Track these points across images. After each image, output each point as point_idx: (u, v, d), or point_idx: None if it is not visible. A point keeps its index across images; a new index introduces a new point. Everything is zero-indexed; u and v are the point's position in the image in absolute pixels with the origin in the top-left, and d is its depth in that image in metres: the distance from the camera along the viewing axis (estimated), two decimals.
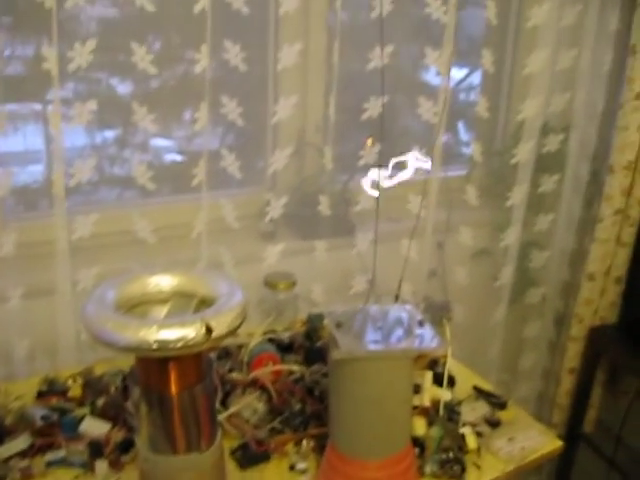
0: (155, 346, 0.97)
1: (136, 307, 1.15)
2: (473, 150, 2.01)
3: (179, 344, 0.98)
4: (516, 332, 2.40)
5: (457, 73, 2.21)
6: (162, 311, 1.13)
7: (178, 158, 1.77)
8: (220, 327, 1.01)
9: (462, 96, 2.30)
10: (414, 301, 2.10)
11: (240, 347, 1.68)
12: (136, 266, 1.68)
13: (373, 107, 1.80)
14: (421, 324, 1.14)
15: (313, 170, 1.96)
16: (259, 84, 1.73)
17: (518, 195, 2.08)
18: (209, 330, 0.99)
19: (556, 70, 2.04)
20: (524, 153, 2.04)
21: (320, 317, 1.84)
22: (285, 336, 1.70)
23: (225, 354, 1.66)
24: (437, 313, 2.22)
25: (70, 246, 1.59)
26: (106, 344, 1.01)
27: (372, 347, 1.04)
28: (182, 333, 0.98)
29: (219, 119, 1.68)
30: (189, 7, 1.49)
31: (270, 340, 1.67)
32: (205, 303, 1.14)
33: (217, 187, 1.74)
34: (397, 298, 1.95)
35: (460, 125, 2.31)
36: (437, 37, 1.81)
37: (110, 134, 1.73)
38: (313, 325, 1.82)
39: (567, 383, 2.46)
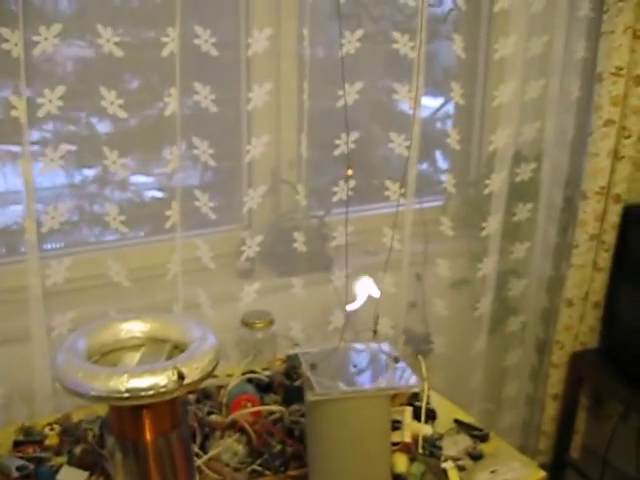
0: (126, 395, 0.96)
1: (109, 354, 1.15)
2: (447, 182, 2.03)
3: (150, 392, 0.97)
4: (498, 361, 2.40)
5: (433, 102, 2.24)
6: (135, 358, 1.12)
7: (151, 199, 1.77)
8: (192, 373, 1.00)
9: (439, 125, 2.33)
10: (394, 334, 2.10)
11: (220, 388, 1.66)
12: (111, 310, 1.67)
13: (345, 143, 1.81)
14: (397, 361, 1.13)
15: (288, 207, 1.96)
16: (231, 124, 1.74)
17: (493, 225, 2.09)
18: (181, 377, 0.99)
19: (526, 100, 2.06)
20: (497, 183, 2.05)
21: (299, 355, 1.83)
22: (264, 375, 1.69)
23: (204, 396, 1.65)
24: (418, 345, 2.23)
25: (44, 292, 1.58)
26: (77, 394, 1.00)
27: (347, 388, 1.04)
28: (153, 381, 0.97)
29: (192, 160, 1.68)
30: (158, 51, 1.50)
31: (249, 380, 1.66)
32: (178, 348, 1.14)
33: (192, 227, 1.75)
34: (375, 333, 1.96)
35: (437, 154, 2.33)
36: (407, 72, 1.83)
37: (89, 173, 1.72)
38: (292, 363, 1.81)
39: (551, 410, 2.45)
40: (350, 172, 1.99)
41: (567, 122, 2.16)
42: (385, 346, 1.17)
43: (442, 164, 2.32)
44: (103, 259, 1.67)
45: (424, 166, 2.28)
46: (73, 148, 1.55)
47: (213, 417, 1.50)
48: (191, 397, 1.64)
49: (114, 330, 1.15)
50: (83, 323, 1.61)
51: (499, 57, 1.96)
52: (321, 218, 2.02)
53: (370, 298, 1.37)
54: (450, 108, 2.25)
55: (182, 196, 1.67)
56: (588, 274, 2.28)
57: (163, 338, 1.16)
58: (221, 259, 1.84)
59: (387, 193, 1.92)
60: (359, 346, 1.17)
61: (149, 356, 1.12)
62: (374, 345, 1.17)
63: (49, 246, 1.71)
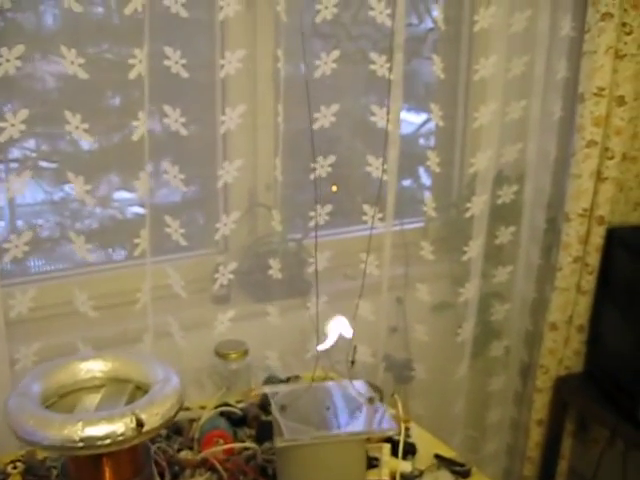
0: (81, 444, 0.90)
1: (67, 396, 1.08)
2: (427, 205, 1.98)
3: (107, 441, 0.91)
4: (481, 386, 2.34)
5: (416, 118, 2.20)
6: (94, 400, 1.06)
7: (119, 225, 1.70)
8: (152, 420, 0.94)
9: (422, 141, 2.29)
10: (374, 362, 2.05)
11: (192, 421, 1.60)
12: (79, 340, 1.61)
13: (321, 166, 1.76)
14: (372, 402, 1.07)
15: (265, 231, 1.91)
16: (204, 148, 1.68)
17: (475, 248, 2.04)
18: (140, 424, 0.92)
19: (507, 121, 2.02)
20: (479, 205, 2.01)
21: (275, 380, 1.77)
22: (238, 408, 1.63)
23: (175, 430, 1.58)
24: (399, 372, 2.17)
25: (7, 322, 1.51)
26: (29, 443, 0.93)
27: (318, 433, 0.98)
28: (110, 429, 0.91)
29: (162, 185, 1.63)
30: (124, 73, 1.44)
31: (222, 414, 1.60)
32: (141, 389, 1.08)
33: (162, 253, 1.68)
34: (352, 364, 1.90)
35: (421, 170, 2.28)
36: (385, 93, 1.79)
37: (55, 198, 1.66)
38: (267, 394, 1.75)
39: (536, 435, 2.40)
40: (335, 188, 1.97)
41: (549, 143, 2.12)
42: (360, 385, 1.11)
43: (425, 181, 2.27)
44: (69, 287, 1.61)
45: (407, 183, 2.24)
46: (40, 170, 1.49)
47: (183, 454, 1.44)
48: (161, 432, 1.59)
49: (73, 370, 1.09)
50: (49, 355, 1.57)
51: (479, 78, 1.92)
52: (299, 242, 1.97)
53: (342, 337, 1.33)
54: (433, 125, 2.20)
55: (152, 222, 1.61)
56: (572, 297, 2.23)
57: (125, 378, 1.10)
58: (194, 285, 1.78)
59: (365, 217, 1.87)
60: (332, 385, 1.11)
61: (109, 398, 1.05)
62: (348, 383, 1.11)
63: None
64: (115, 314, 1.66)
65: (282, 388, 1.12)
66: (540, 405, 2.35)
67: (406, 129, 2.13)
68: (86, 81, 1.41)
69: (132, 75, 1.45)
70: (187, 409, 1.66)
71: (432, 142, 2.26)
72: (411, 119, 2.19)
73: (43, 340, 1.60)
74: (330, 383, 1.12)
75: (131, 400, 1.03)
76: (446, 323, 2.19)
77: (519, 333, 2.35)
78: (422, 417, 2.20)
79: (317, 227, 1.47)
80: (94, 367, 1.09)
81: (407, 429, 1.61)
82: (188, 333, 1.76)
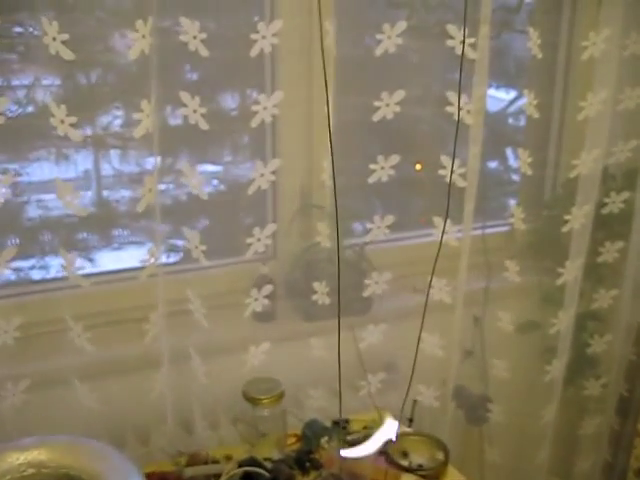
0: None
1: None
2: (514, 215, 1.61)
3: None
4: (570, 429, 1.98)
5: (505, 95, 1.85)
6: None
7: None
8: None
9: (511, 121, 1.93)
10: (441, 402, 1.70)
11: (212, 478, 1.31)
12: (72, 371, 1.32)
13: (381, 168, 1.41)
14: None
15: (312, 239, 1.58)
16: (227, 145, 1.35)
17: (572, 270, 1.67)
18: None
19: (619, 112, 1.63)
20: (579, 218, 1.63)
21: (317, 427, 1.46)
22: (267, 468, 1.32)
23: None
24: (473, 410, 1.82)
25: None
26: None
27: None
28: None
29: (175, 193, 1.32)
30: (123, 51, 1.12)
31: (246, 476, 1.29)
32: None
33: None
34: (411, 422, 1.56)
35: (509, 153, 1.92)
36: (465, 76, 1.42)
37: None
38: (306, 444, 1.44)
39: None
40: (419, 167, 1.62)
41: None
42: None
43: (513, 163, 1.91)
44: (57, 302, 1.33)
45: (493, 165, 1.89)
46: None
47: None
48: None
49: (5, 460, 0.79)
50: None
51: (588, 57, 1.53)
52: (360, 248, 1.62)
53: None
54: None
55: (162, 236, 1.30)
56: None
57: (77, 477, 0.79)
58: (227, 300, 1.46)
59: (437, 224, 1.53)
60: None
61: None
62: None
63: None
64: (118, 337, 1.39)
65: None
66: None
67: (493, 106, 1.76)
68: (71, 63, 1.10)
69: (134, 54, 1.13)
70: (205, 462, 1.37)
71: (521, 122, 1.88)
72: (499, 95, 1.82)
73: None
74: None
75: None
76: (532, 350, 1.83)
77: (620, 364, 1.96)
78: (498, 466, 1.87)
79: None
80: (32, 459, 0.79)
81: None
82: (214, 360, 1.45)
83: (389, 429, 1.06)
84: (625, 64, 1.59)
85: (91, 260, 1.45)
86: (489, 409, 1.78)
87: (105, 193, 1.43)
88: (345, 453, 1.04)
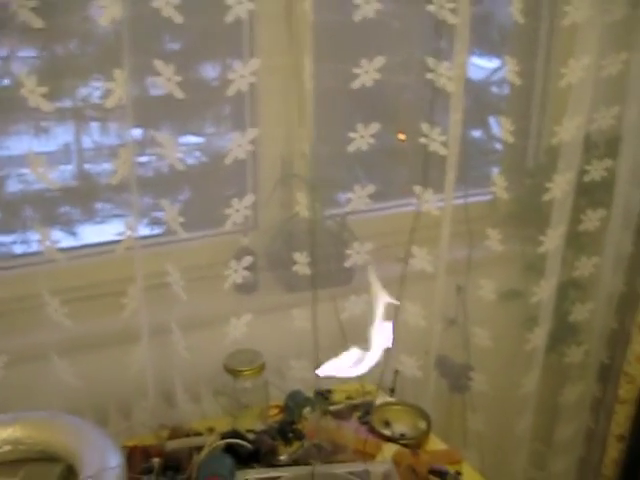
0: None
1: None
2: (496, 184, 1.60)
3: None
4: (552, 396, 1.99)
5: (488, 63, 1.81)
6: None
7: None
8: None
9: (494, 89, 1.90)
10: (423, 372, 1.70)
11: (193, 451, 1.30)
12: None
13: (361, 136, 1.39)
14: None
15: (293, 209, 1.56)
16: (204, 114, 1.32)
17: (554, 239, 1.66)
18: None
19: (602, 78, 1.61)
20: (561, 185, 1.61)
21: (300, 397, 1.45)
22: (249, 439, 1.31)
23: (173, 461, 1.29)
24: (455, 379, 1.82)
25: None
26: None
27: None
28: None
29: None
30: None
31: (228, 449, 1.29)
32: (73, 473, 0.75)
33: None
34: (392, 392, 1.56)
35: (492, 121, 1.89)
36: (446, 42, 1.39)
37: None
38: (289, 415, 1.43)
39: (614, 451, 2.04)
40: (402, 137, 1.60)
41: None
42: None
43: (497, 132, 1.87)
44: (34, 276, 1.31)
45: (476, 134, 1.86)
46: None
47: None
48: (155, 461, 1.29)
49: None
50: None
51: (570, 22, 1.50)
52: (342, 219, 1.60)
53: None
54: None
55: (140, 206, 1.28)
56: None
57: (52, 453, 0.77)
58: (208, 272, 1.44)
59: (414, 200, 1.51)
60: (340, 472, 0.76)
61: None
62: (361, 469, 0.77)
63: None
64: (97, 309, 1.36)
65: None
66: (622, 418, 1.98)
67: (475, 74, 1.73)
68: (41, 31, 1.06)
69: (105, 20, 1.09)
70: (187, 435, 1.37)
71: (505, 91, 1.85)
72: (482, 64, 1.79)
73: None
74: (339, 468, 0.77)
75: None
76: (514, 318, 1.83)
77: (602, 332, 1.97)
78: (481, 433, 1.87)
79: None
80: (9, 436, 0.77)
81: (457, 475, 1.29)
82: (194, 333, 1.44)
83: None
84: (608, 30, 1.56)
85: (74, 234, 1.43)
86: (471, 378, 1.78)
87: (86, 166, 1.40)
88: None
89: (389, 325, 1.03)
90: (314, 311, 1.32)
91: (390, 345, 1.03)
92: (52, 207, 1.39)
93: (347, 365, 1.04)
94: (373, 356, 1.03)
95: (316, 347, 1.14)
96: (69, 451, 0.78)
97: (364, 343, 1.60)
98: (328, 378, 1.13)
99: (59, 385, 1.34)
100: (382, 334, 1.05)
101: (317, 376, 1.48)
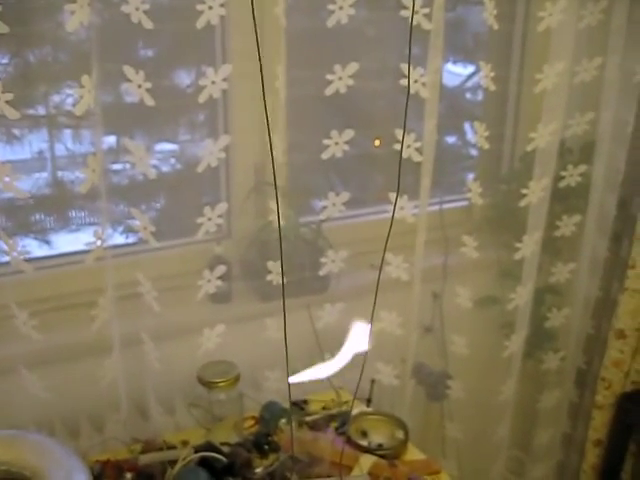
0: None
1: None
2: (471, 190, 1.59)
3: None
4: (530, 402, 1.99)
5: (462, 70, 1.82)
6: None
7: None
8: None
9: (469, 95, 1.90)
10: (400, 380, 1.69)
11: (166, 465, 1.28)
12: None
13: (335, 143, 1.37)
14: None
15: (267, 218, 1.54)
16: (175, 121, 1.30)
17: (530, 245, 1.65)
18: None
19: (576, 84, 1.61)
20: (537, 192, 1.61)
21: (275, 408, 1.43)
22: (223, 453, 1.29)
23: (145, 477, 1.27)
24: (433, 387, 1.81)
25: None
26: None
27: None
28: None
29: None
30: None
31: (202, 462, 1.26)
32: None
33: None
34: (369, 402, 1.54)
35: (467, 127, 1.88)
36: (420, 48, 1.38)
37: None
38: (264, 427, 1.41)
39: (593, 456, 2.04)
40: (378, 142, 1.58)
41: (627, 111, 1.70)
42: None
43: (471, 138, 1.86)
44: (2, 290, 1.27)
45: (451, 140, 1.86)
46: None
47: None
48: (128, 476, 1.26)
49: None
50: None
51: (544, 28, 1.50)
52: (317, 226, 1.58)
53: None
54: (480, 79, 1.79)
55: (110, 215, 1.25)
56: None
57: (19, 473, 0.75)
58: (181, 282, 1.42)
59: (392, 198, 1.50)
60: None
61: None
62: None
63: None
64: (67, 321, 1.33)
65: None
66: (599, 423, 1.99)
67: (450, 81, 1.73)
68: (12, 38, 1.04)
69: (70, 27, 1.06)
70: (160, 449, 1.34)
71: (480, 96, 1.84)
72: (457, 70, 1.79)
73: None
74: None
75: None
76: (491, 325, 1.82)
77: (578, 338, 1.97)
78: (459, 441, 1.87)
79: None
80: None
81: None
82: (167, 344, 1.41)
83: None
84: (581, 35, 1.56)
85: (48, 243, 1.40)
86: (449, 385, 1.77)
87: (60, 174, 1.37)
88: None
89: (365, 334, 1.01)
90: (289, 320, 1.30)
91: (364, 349, 1.01)
92: (25, 215, 1.36)
93: (318, 369, 1.02)
94: (344, 357, 1.01)
95: (294, 357, 1.12)
96: (35, 470, 0.75)
97: (339, 352, 1.60)
98: (301, 384, 1.12)
99: (28, 399, 1.31)
100: (357, 341, 1.03)
101: (291, 386, 1.47)
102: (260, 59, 0.72)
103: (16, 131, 1.26)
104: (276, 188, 0.78)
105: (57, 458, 0.76)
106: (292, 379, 1.00)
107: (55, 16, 1.17)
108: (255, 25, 0.70)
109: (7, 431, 0.84)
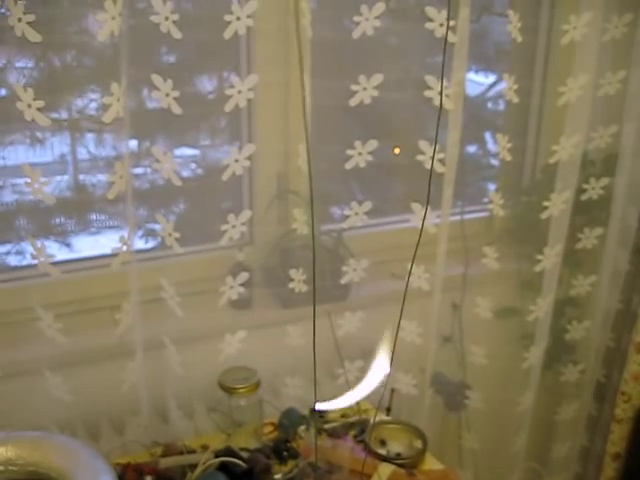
0: None
1: None
2: (493, 201, 1.59)
3: None
4: (548, 415, 1.98)
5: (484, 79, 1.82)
6: None
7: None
8: None
9: (490, 105, 1.89)
10: (419, 390, 1.69)
11: (186, 469, 1.29)
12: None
13: (359, 154, 1.38)
14: None
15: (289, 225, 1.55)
16: (202, 130, 1.32)
17: (551, 257, 1.65)
18: None
19: (599, 97, 1.60)
20: (559, 204, 1.61)
21: (295, 415, 1.44)
22: (243, 458, 1.30)
23: (167, 479, 1.28)
24: (451, 397, 1.81)
25: None
26: None
27: None
28: None
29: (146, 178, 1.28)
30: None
31: (221, 467, 1.27)
32: None
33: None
34: (388, 411, 1.54)
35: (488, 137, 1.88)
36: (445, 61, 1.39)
37: None
38: (283, 433, 1.42)
39: (610, 470, 2.02)
40: (397, 151, 1.59)
41: None
42: None
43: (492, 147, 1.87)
44: (27, 290, 1.30)
45: (472, 149, 1.85)
46: None
47: None
48: (149, 479, 1.28)
49: None
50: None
51: (568, 41, 1.50)
52: (338, 234, 1.59)
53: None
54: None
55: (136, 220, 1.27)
56: None
57: (45, 474, 0.76)
58: (203, 287, 1.44)
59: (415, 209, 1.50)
60: None
61: None
62: None
63: None
64: (91, 324, 1.35)
65: None
66: (618, 437, 1.97)
67: (472, 90, 1.74)
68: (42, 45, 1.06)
69: (102, 36, 1.09)
70: (180, 453, 1.35)
71: (501, 107, 1.85)
72: (478, 79, 1.79)
73: None
74: None
75: None
76: (510, 336, 1.82)
77: (598, 350, 1.95)
78: (476, 451, 1.86)
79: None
80: (0, 457, 0.76)
81: None
82: (189, 349, 1.43)
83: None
84: (605, 48, 1.56)
85: (68, 245, 1.42)
86: (467, 396, 1.77)
87: (82, 177, 1.39)
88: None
89: (387, 345, 1.02)
90: (310, 327, 1.31)
91: (388, 368, 1.02)
92: (47, 218, 1.37)
93: (344, 397, 1.03)
94: (371, 382, 1.02)
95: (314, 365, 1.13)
96: (61, 472, 0.76)
97: (359, 360, 1.60)
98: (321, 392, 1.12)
99: (51, 401, 1.33)
100: (380, 356, 1.04)
101: (313, 394, 1.48)
102: (291, 69, 0.72)
103: (40, 134, 1.28)
104: (312, 198, 0.79)
105: (83, 460, 0.77)
106: (319, 406, 1.00)
107: (86, 24, 1.19)
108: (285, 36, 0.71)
109: (33, 432, 0.86)
